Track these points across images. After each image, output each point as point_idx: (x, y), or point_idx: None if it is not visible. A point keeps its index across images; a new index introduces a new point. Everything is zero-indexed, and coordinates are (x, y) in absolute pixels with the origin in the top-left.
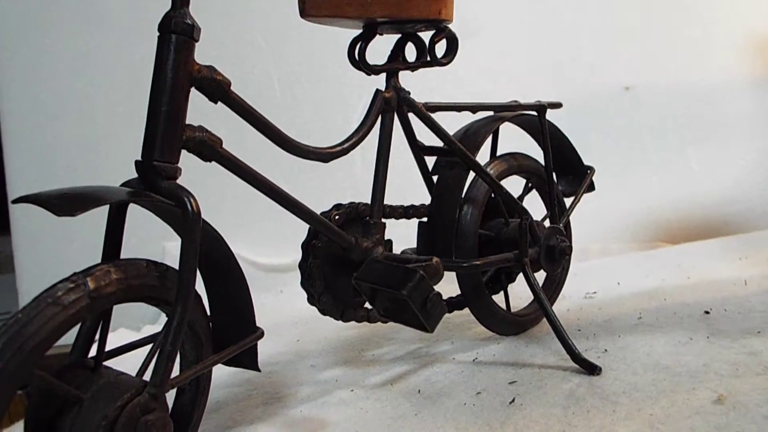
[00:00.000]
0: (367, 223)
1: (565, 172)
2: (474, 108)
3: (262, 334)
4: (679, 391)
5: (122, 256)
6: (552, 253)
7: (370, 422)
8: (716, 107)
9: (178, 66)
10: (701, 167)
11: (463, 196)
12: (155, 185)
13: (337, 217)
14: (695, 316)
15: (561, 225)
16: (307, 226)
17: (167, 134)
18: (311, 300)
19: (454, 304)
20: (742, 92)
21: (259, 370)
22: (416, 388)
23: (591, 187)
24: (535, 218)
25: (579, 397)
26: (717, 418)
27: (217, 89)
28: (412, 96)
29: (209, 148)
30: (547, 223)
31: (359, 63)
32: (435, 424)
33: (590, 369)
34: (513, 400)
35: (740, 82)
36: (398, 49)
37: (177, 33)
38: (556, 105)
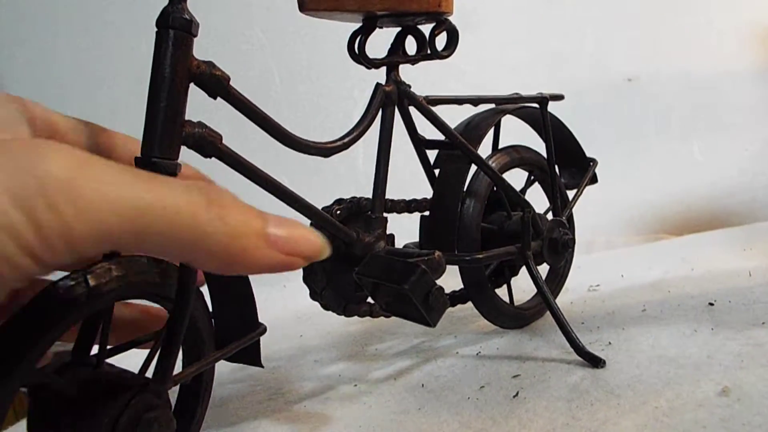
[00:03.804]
0: (369, 217)
1: (567, 164)
2: (475, 101)
3: (264, 330)
4: (684, 384)
5: None
6: (555, 245)
7: (374, 417)
8: (720, 97)
9: (177, 62)
10: (705, 158)
11: (465, 189)
12: None
13: (338, 212)
14: (699, 308)
15: (564, 218)
16: (308, 221)
17: (166, 130)
18: (313, 295)
19: (456, 297)
20: (746, 82)
21: (262, 366)
22: (420, 383)
23: (594, 180)
24: (537, 211)
25: (583, 390)
26: (722, 410)
27: (216, 85)
28: (412, 89)
29: (209, 144)
30: (549, 216)
31: (359, 57)
32: (439, 418)
33: (594, 362)
34: (517, 394)
35: (744, 71)
36: (398, 43)
37: (175, 28)
38: (558, 97)
